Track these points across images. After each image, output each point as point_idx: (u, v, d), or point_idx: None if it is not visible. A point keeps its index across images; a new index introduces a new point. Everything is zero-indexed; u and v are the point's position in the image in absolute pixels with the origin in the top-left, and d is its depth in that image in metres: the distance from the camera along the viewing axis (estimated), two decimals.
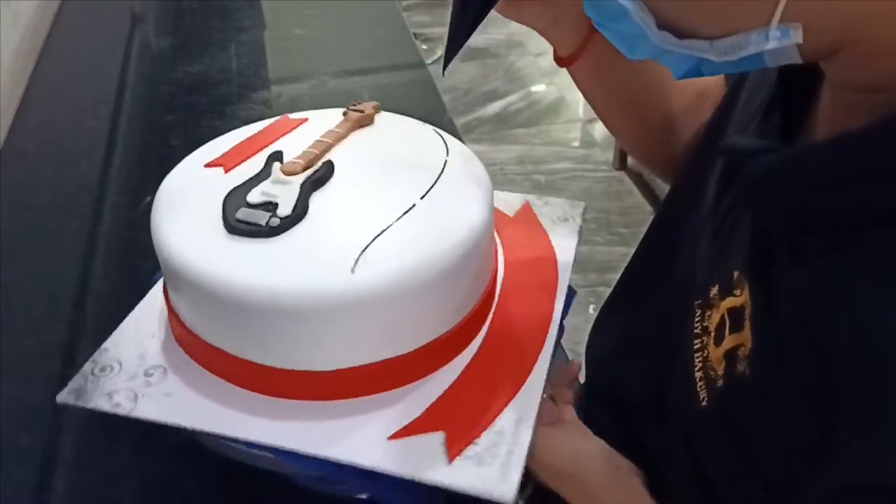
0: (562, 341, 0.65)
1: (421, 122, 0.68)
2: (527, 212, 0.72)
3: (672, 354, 0.56)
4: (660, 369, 0.58)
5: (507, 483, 0.49)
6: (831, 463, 0.39)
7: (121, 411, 0.54)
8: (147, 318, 0.62)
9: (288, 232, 0.53)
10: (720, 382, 0.49)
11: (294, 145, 0.62)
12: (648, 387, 0.60)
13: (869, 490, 0.37)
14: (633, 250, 0.71)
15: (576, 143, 2.53)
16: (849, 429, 0.38)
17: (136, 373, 0.56)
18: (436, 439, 0.52)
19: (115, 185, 0.98)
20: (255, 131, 0.66)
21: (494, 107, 2.63)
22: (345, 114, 0.67)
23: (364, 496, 0.61)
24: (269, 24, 1.40)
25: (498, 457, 0.50)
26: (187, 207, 0.57)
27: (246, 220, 0.54)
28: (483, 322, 0.60)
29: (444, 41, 0.58)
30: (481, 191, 0.59)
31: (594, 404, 0.68)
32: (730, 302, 0.50)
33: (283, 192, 0.56)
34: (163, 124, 1.11)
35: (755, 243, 0.49)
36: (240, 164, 0.61)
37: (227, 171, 0.60)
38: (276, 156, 0.60)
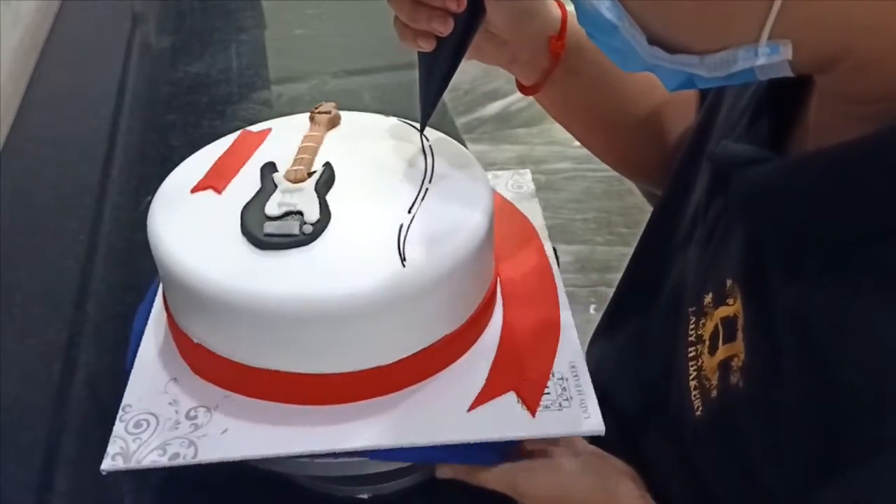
0: None
1: (384, 116, 0.68)
2: None
3: (667, 362, 0.56)
4: (656, 377, 0.57)
5: (593, 416, 0.54)
6: (839, 480, 0.39)
7: (184, 461, 0.51)
8: (154, 363, 0.59)
9: (321, 237, 0.53)
10: (714, 393, 0.49)
11: (277, 155, 0.61)
12: (645, 395, 0.60)
13: None
14: (633, 250, 0.71)
15: (576, 143, 2.50)
16: (855, 447, 0.38)
17: (178, 420, 0.54)
18: (510, 399, 0.55)
19: (115, 185, 0.98)
20: (223, 149, 0.64)
21: (495, 107, 2.63)
22: (311, 118, 0.66)
23: (365, 496, 0.61)
24: (269, 23, 1.40)
25: (573, 398, 0.55)
26: (199, 235, 0.55)
27: (278, 232, 0.53)
28: (496, 292, 0.62)
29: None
30: (473, 168, 0.61)
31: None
32: (723, 311, 0.50)
33: (302, 199, 0.55)
34: (163, 124, 1.11)
35: (748, 254, 0.49)
36: (229, 182, 0.59)
37: (219, 192, 0.58)
38: (271, 167, 0.59)
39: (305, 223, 0.53)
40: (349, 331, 0.52)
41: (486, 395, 0.55)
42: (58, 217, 0.93)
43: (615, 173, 0.80)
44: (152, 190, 0.59)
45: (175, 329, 0.58)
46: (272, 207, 0.55)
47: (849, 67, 0.40)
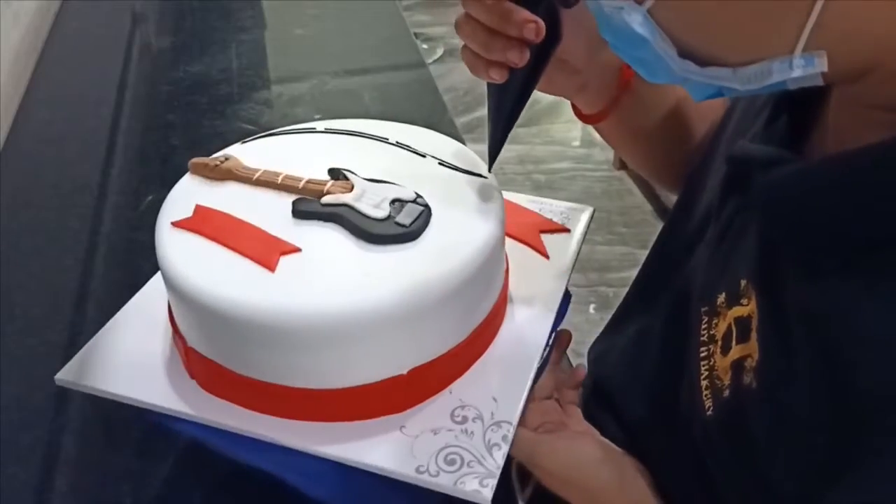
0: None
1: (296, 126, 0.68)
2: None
3: (678, 361, 0.55)
4: (666, 376, 0.57)
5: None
6: (847, 480, 0.39)
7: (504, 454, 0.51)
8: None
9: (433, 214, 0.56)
10: (726, 392, 0.49)
11: (266, 201, 0.58)
12: (655, 394, 0.60)
13: None
14: (633, 250, 0.72)
15: (576, 143, 2.53)
16: (868, 448, 0.38)
17: (478, 430, 0.53)
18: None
19: (115, 184, 0.98)
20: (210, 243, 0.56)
21: None
22: (218, 171, 0.60)
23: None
24: (269, 23, 1.40)
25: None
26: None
27: (409, 220, 0.54)
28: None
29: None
30: (463, 154, 0.63)
31: (600, 410, 0.67)
32: (737, 311, 0.50)
33: (386, 190, 0.57)
34: (163, 124, 1.11)
35: (764, 254, 0.48)
36: (286, 243, 0.54)
37: (295, 251, 0.54)
38: (302, 202, 0.57)
39: (418, 204, 0.55)
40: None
41: (540, 249, 0.65)
42: (58, 217, 0.93)
43: (615, 173, 0.80)
44: (153, 190, 0.59)
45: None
46: (376, 211, 0.55)
47: (877, 78, 0.40)
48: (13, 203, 0.95)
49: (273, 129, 0.68)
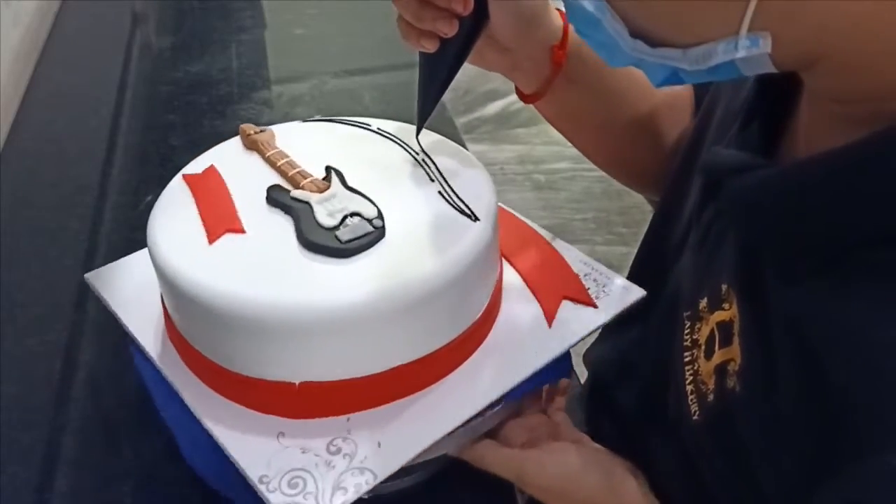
0: None
1: (315, 121, 0.68)
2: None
3: (665, 367, 0.56)
4: (656, 380, 0.58)
5: (630, 287, 0.62)
6: (832, 481, 0.39)
7: (369, 485, 0.50)
8: (235, 424, 0.54)
9: (388, 226, 0.54)
10: (711, 397, 0.49)
11: (261, 180, 0.59)
12: (647, 397, 0.60)
13: None
14: (633, 250, 0.71)
15: None
16: (850, 448, 0.38)
17: (326, 460, 0.51)
18: (569, 306, 0.60)
19: (115, 184, 0.98)
20: (185, 199, 0.59)
21: (494, 106, 2.63)
22: (252, 143, 0.63)
23: (365, 495, 0.61)
24: (269, 23, 1.40)
25: (609, 281, 0.63)
26: (259, 280, 0.52)
27: (354, 235, 0.53)
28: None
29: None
30: (478, 172, 0.61)
31: (599, 412, 0.67)
32: (719, 316, 0.50)
33: (346, 201, 0.55)
34: (164, 124, 1.11)
35: (742, 258, 0.49)
36: (237, 221, 0.56)
37: (243, 231, 0.55)
38: (277, 188, 0.58)
39: (370, 220, 0.54)
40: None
41: (548, 313, 0.59)
42: (58, 217, 0.93)
43: None
44: (152, 190, 0.59)
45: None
46: (328, 219, 0.54)
47: (830, 67, 0.41)
48: (13, 203, 0.95)
49: None
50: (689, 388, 0.51)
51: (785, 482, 0.42)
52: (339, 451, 0.52)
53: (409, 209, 0.56)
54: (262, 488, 0.49)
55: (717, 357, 0.49)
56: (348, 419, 0.54)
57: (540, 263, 0.63)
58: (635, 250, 0.72)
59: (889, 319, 0.38)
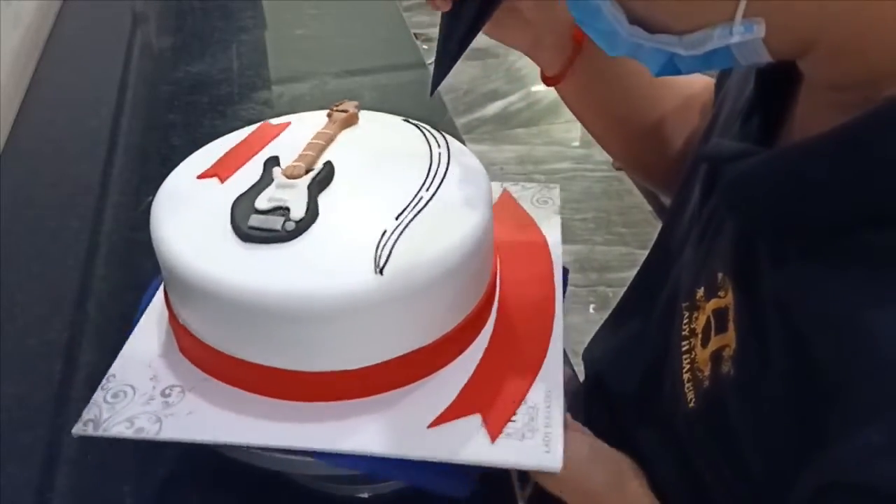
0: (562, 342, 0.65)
1: (403, 119, 0.68)
2: (507, 199, 0.74)
3: (663, 357, 0.56)
4: (654, 375, 0.58)
5: (552, 453, 0.51)
6: (817, 461, 0.39)
7: (146, 435, 0.53)
8: (148, 338, 0.60)
9: (303, 235, 0.53)
10: (706, 383, 0.49)
11: (286, 149, 0.61)
12: (644, 392, 0.60)
13: (852, 489, 0.37)
14: (633, 250, 0.72)
15: (576, 143, 2.53)
16: (835, 428, 0.39)
17: (152, 395, 0.55)
18: (473, 422, 0.53)
19: (116, 184, 0.98)
20: (240, 139, 0.65)
21: (495, 107, 2.63)
22: (329, 115, 0.67)
23: (365, 495, 0.61)
24: (270, 23, 1.41)
25: (537, 430, 0.52)
26: (191, 220, 0.56)
27: (261, 226, 0.53)
28: (491, 307, 0.61)
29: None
30: (479, 180, 0.60)
31: (597, 408, 0.68)
32: (714, 303, 0.50)
33: (292, 196, 0.56)
34: (164, 124, 1.11)
35: (738, 245, 0.49)
36: (234, 172, 0.60)
37: (222, 180, 0.59)
38: (274, 161, 0.60)
39: (289, 220, 0.54)
40: (316, 331, 0.52)
41: (450, 413, 0.54)
42: (58, 216, 0.93)
43: (615, 173, 0.80)
44: (153, 190, 0.60)
45: (169, 307, 0.59)
46: (262, 201, 0.55)
47: (824, 53, 0.41)
48: (13, 203, 0.95)
49: None
50: (685, 376, 0.52)
51: (773, 463, 0.43)
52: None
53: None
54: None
55: (713, 344, 0.50)
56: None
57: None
58: (635, 250, 0.72)
59: (875, 299, 0.39)
